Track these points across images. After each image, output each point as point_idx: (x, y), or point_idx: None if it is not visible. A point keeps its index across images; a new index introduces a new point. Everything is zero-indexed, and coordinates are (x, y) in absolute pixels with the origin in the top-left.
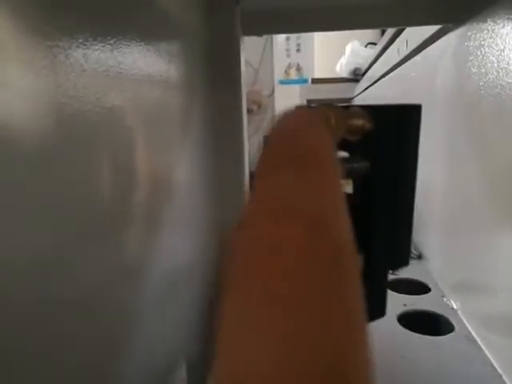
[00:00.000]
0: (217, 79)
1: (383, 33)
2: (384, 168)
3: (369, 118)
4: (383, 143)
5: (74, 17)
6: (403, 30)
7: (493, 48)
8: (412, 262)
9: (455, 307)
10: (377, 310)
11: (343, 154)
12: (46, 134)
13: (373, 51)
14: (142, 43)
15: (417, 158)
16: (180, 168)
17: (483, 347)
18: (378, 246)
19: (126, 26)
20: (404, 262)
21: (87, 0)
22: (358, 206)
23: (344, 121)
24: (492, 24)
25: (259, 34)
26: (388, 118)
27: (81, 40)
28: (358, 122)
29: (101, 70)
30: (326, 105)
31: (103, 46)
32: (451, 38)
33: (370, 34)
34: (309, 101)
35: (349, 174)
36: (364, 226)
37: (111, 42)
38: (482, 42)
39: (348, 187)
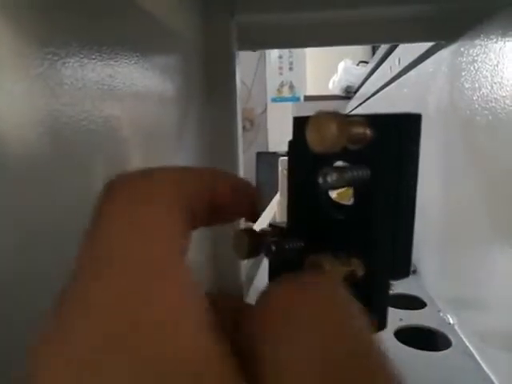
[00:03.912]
0: (212, 92)
1: (374, 52)
2: (385, 176)
3: (369, 127)
4: (384, 151)
5: (71, 25)
6: (395, 47)
7: (486, 63)
8: (407, 277)
9: (452, 322)
10: (378, 322)
11: (343, 163)
12: (40, 141)
13: (365, 69)
14: (137, 54)
15: (417, 166)
16: None
17: (481, 362)
18: (379, 256)
19: (122, 37)
20: (405, 273)
21: (84, 9)
22: (359, 215)
23: (345, 129)
24: (485, 39)
25: (254, 48)
26: (388, 126)
27: (77, 48)
28: (359, 130)
29: (96, 79)
30: (328, 112)
31: (99, 55)
32: (444, 55)
33: (361, 52)
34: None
35: (349, 183)
36: (364, 236)
37: (107, 51)
38: (475, 58)
39: (350, 200)
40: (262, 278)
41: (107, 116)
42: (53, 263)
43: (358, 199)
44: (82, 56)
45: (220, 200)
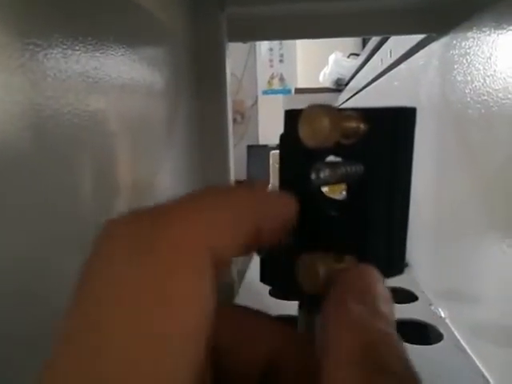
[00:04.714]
0: (202, 85)
1: (365, 45)
2: (378, 172)
3: (363, 121)
4: (378, 146)
5: (53, 15)
6: (386, 40)
7: (479, 56)
8: (401, 274)
9: (443, 315)
10: None
11: (336, 158)
12: (22, 136)
13: (355, 62)
14: (125, 46)
15: (411, 161)
16: (164, 176)
17: (473, 356)
18: (373, 253)
19: (109, 28)
20: (399, 270)
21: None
22: (352, 211)
23: (338, 123)
24: (477, 32)
25: (244, 40)
26: (382, 120)
27: (60, 39)
28: (353, 125)
29: (81, 71)
30: (321, 105)
31: (84, 47)
32: (435, 47)
33: (351, 45)
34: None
35: (342, 179)
36: (358, 232)
37: (92, 42)
38: (468, 50)
39: (341, 193)
40: (253, 274)
41: (92, 109)
42: (35, 261)
43: (351, 195)
44: (65, 47)
45: (262, 240)
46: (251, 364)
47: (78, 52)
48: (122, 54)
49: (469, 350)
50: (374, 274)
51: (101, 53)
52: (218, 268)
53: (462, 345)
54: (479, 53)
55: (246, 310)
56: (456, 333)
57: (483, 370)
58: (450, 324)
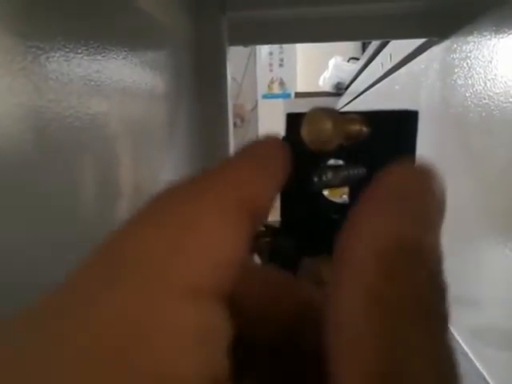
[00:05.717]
0: (203, 89)
1: (364, 49)
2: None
3: (365, 124)
4: (380, 149)
5: (55, 18)
6: (387, 44)
7: (479, 59)
8: None
9: None
10: None
11: (339, 161)
12: (24, 139)
13: (355, 66)
14: (126, 49)
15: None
16: (164, 178)
17: (475, 360)
18: None
19: (111, 32)
20: None
21: (70, 3)
22: None
23: (341, 126)
24: (478, 36)
25: (245, 44)
26: (385, 123)
27: (63, 42)
28: (355, 128)
29: (83, 74)
30: (324, 108)
31: (86, 50)
32: (436, 51)
33: (351, 49)
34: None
35: (345, 182)
36: None
37: (94, 46)
38: (469, 54)
39: (344, 195)
40: None
41: (94, 113)
42: (35, 262)
43: (353, 198)
44: (67, 50)
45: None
46: (277, 323)
47: (80, 55)
48: (124, 58)
49: (470, 354)
50: (419, 174)
51: (102, 56)
52: (255, 219)
53: (463, 348)
54: (480, 57)
55: (271, 269)
56: (457, 337)
57: (485, 373)
58: (451, 328)
